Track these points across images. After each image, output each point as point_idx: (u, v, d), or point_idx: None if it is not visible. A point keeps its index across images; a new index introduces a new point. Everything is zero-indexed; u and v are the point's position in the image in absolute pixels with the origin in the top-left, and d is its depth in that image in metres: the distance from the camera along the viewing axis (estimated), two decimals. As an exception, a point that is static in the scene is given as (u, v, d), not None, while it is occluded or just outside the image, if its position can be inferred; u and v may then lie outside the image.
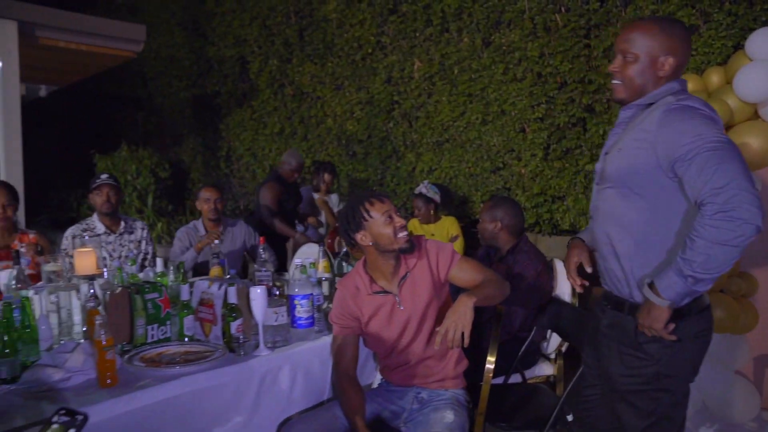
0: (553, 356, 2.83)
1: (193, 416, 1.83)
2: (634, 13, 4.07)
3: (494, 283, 1.98)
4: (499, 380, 2.57)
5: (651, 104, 1.67)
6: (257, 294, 1.96)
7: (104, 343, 1.71)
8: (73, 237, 3.47)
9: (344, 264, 2.44)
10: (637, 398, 1.71)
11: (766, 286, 3.06)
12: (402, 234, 1.95)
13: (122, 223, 3.61)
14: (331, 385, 2.14)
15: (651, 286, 1.57)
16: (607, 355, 1.77)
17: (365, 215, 1.95)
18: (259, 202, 4.42)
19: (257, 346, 2.02)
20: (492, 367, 1.93)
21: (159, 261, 2.86)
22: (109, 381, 1.72)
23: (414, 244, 1.99)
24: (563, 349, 2.81)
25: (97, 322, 1.74)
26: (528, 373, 2.75)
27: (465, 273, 2.03)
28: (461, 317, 1.80)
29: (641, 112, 1.69)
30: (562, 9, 4.46)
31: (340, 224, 2.03)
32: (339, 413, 1.96)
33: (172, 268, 2.86)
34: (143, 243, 3.67)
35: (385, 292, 2.01)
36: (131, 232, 3.64)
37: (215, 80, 7.77)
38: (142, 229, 3.70)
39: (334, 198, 5.06)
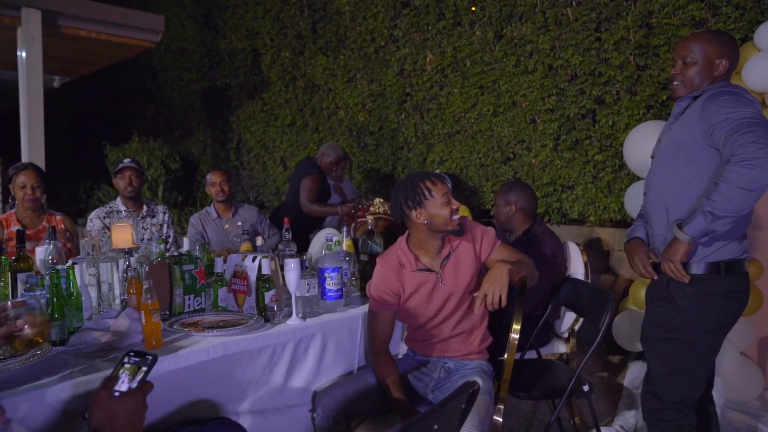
0: (566, 335, 2.93)
1: (231, 378, 1.93)
2: (644, 7, 4.16)
3: (528, 266, 2.10)
4: (516, 356, 2.68)
5: (699, 96, 1.96)
6: (291, 266, 2.06)
7: (150, 306, 1.82)
8: (98, 218, 3.59)
9: (369, 242, 2.54)
10: (662, 346, 1.95)
11: (772, 271, 3.16)
12: (456, 216, 2.02)
13: (144, 207, 3.72)
14: (364, 355, 2.24)
15: (679, 225, 1.84)
16: (645, 311, 2.05)
17: (426, 194, 2.00)
18: (298, 190, 4.42)
19: (290, 315, 2.12)
20: (517, 336, 2.03)
21: (186, 240, 2.97)
22: (154, 342, 1.82)
23: (464, 227, 2.07)
24: (576, 328, 2.91)
25: (144, 287, 1.84)
26: (543, 351, 2.85)
27: (505, 257, 2.11)
28: (497, 281, 1.91)
29: (692, 104, 1.97)
30: (574, 3, 4.56)
31: (394, 198, 2.10)
32: (371, 380, 2.06)
33: (198, 247, 2.97)
34: (165, 227, 3.78)
35: (429, 270, 2.09)
36: (153, 216, 3.75)
37: (226, 73, 7.87)
38: (164, 213, 3.81)
39: (347, 185, 5.11)
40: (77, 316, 2.04)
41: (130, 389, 1.12)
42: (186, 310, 2.17)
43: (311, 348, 2.12)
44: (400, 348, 2.40)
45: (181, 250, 3.18)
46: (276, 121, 7.06)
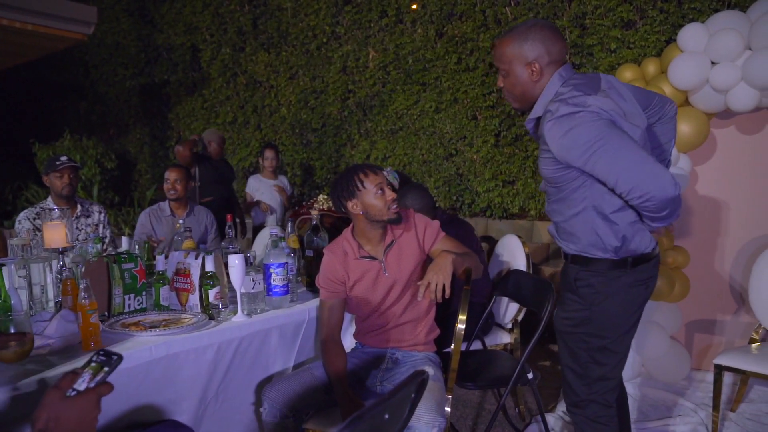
0: (509, 326, 3.02)
1: (175, 378, 1.89)
2: (578, 8, 4.32)
3: (472, 258, 2.14)
4: (462, 347, 2.73)
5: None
6: (236, 262, 2.03)
7: (88, 306, 1.75)
8: (28, 219, 3.42)
9: (314, 237, 2.53)
10: (570, 339, 1.88)
11: (697, 259, 3.35)
12: (393, 206, 2.06)
13: (79, 207, 3.57)
14: (311, 349, 2.24)
15: None
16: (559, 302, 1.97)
17: (359, 185, 2.05)
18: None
19: (235, 312, 2.09)
20: (463, 327, 2.08)
21: (125, 239, 2.87)
22: (92, 344, 1.76)
23: (402, 217, 2.11)
24: (519, 318, 3.00)
25: (81, 286, 1.77)
26: (487, 342, 2.92)
27: (447, 248, 2.15)
28: (441, 270, 1.94)
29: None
30: (512, 2, 4.68)
31: (332, 190, 2.12)
32: (318, 373, 2.06)
33: (137, 246, 2.87)
34: (101, 227, 3.63)
35: (372, 257, 2.13)
36: (88, 216, 3.61)
37: (164, 68, 7.64)
38: (100, 212, 3.66)
39: (284, 180, 5.05)
40: (5, 322, 1.95)
41: (86, 389, 1.07)
42: (126, 310, 2.10)
43: (257, 344, 2.10)
44: (348, 343, 2.41)
45: (119, 249, 3.08)
46: (217, 118, 6.92)
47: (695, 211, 3.42)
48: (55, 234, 2.27)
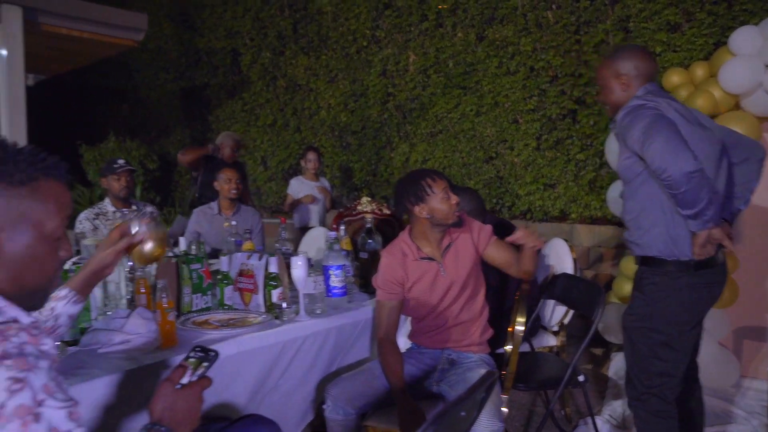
0: (556, 328, 3.04)
1: (242, 375, 1.97)
2: (622, 11, 4.31)
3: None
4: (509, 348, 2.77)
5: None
6: (299, 264, 2.10)
7: (165, 305, 1.84)
8: (88, 220, 3.56)
9: (368, 240, 2.60)
10: (634, 333, 2.08)
11: (746, 265, 3.32)
12: (456, 210, 2.15)
13: (134, 207, 3.71)
14: (368, 348, 2.31)
15: None
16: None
17: (427, 190, 2.12)
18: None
19: (297, 312, 2.17)
20: (522, 329, 2.13)
21: (182, 240, 2.98)
22: (170, 341, 1.85)
23: (463, 220, 2.20)
24: (565, 321, 3.02)
25: (159, 286, 1.86)
26: (534, 344, 2.95)
27: (500, 251, 2.25)
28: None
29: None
30: (554, 6, 4.69)
31: (398, 195, 2.19)
32: (377, 372, 2.12)
33: (194, 246, 2.98)
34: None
35: (431, 259, 2.19)
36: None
37: (205, 72, 7.82)
38: (152, 213, 3.79)
39: (325, 182, 5.14)
40: (85, 316, 2.05)
41: (190, 382, 1.16)
42: (194, 308, 2.20)
43: (318, 343, 2.17)
44: (404, 344, 2.47)
45: (176, 249, 3.20)
46: (257, 121, 7.05)
47: (745, 216, 3.39)
48: (126, 235, 2.37)
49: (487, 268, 2.40)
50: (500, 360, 2.49)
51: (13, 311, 0.89)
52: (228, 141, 4.96)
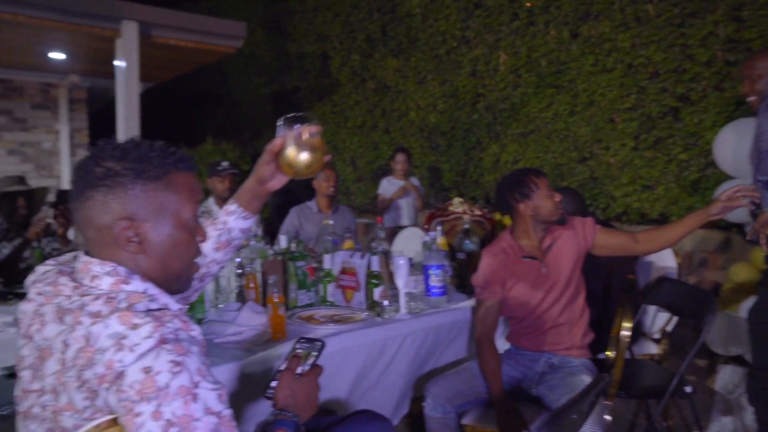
0: (657, 336, 2.91)
1: (344, 370, 2.04)
2: (734, 0, 4.06)
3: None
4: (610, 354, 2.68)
5: None
6: (401, 263, 2.15)
7: (276, 300, 1.94)
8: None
9: (466, 240, 2.61)
10: (761, 329, 2.18)
11: None
12: (560, 208, 2.16)
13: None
14: (466, 348, 2.32)
15: None
16: None
17: (533, 187, 2.14)
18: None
19: (397, 310, 2.21)
20: (629, 334, 2.07)
21: (282, 238, 3.11)
22: (279, 334, 1.95)
23: (564, 218, 2.20)
24: (668, 329, 2.89)
25: (270, 281, 1.97)
26: (634, 350, 2.84)
27: (611, 237, 2.23)
28: None
29: None
30: (655, -1, 4.49)
31: (501, 192, 2.21)
32: (477, 372, 2.13)
33: (294, 244, 3.10)
34: (254, 225, 3.95)
35: (532, 258, 2.19)
36: (244, 215, 3.93)
37: (295, 76, 8.09)
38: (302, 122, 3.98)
39: (415, 182, 5.18)
40: (200, 308, 2.20)
41: (305, 371, 1.22)
42: (299, 304, 2.30)
43: (419, 341, 2.21)
44: (500, 345, 2.46)
45: (275, 247, 3.34)
46: (346, 122, 7.21)
47: None
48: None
49: (589, 272, 2.35)
50: (601, 366, 2.42)
51: (164, 299, 0.98)
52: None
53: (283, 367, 1.23)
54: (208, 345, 1.90)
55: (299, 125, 1.33)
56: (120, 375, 0.84)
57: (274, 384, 1.21)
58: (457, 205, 3.94)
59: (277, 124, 1.35)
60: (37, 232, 3.03)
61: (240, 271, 2.38)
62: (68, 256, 1.10)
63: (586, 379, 2.03)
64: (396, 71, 6.54)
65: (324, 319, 2.12)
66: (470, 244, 2.59)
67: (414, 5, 6.23)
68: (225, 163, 3.84)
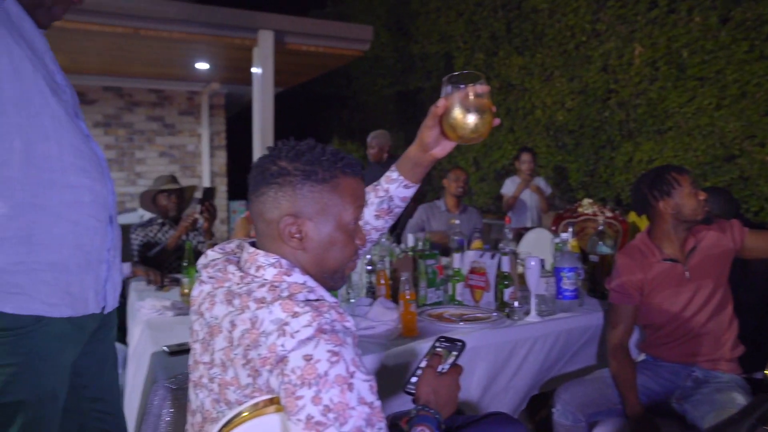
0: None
1: (474, 371, 2.02)
2: None
3: None
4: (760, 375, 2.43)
5: None
6: (532, 264, 2.10)
7: (408, 297, 1.97)
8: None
9: (600, 243, 2.49)
10: None
11: None
12: (705, 206, 2.00)
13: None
14: (595, 355, 2.22)
15: None
16: None
17: (674, 183, 2.00)
18: None
19: (527, 312, 2.16)
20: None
21: (410, 236, 3.15)
22: (411, 331, 1.98)
23: (712, 218, 2.04)
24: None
25: (402, 278, 2.00)
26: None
27: (759, 236, 2.03)
28: None
29: None
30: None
31: (638, 190, 2.09)
32: (610, 381, 2.03)
33: (420, 243, 3.13)
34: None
35: (674, 260, 2.05)
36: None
37: (418, 76, 8.16)
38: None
39: (541, 182, 5.03)
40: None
41: (443, 370, 1.23)
42: (428, 302, 2.32)
43: (548, 346, 2.14)
44: (634, 355, 2.33)
45: (402, 245, 3.40)
46: (469, 121, 7.15)
47: None
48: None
49: (742, 280, 2.15)
50: (757, 386, 2.20)
51: (320, 291, 1.03)
52: (374, 141, 5.09)
53: (423, 364, 1.24)
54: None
55: (465, 85, 1.20)
56: (282, 359, 0.90)
57: (414, 380, 1.23)
58: (586, 206, 3.77)
59: (442, 83, 1.23)
60: (187, 227, 3.31)
61: (370, 267, 2.46)
62: (232, 244, 1.20)
63: (738, 398, 1.85)
64: (521, 69, 6.38)
65: (454, 317, 2.12)
66: (604, 247, 2.46)
67: (540, 0, 6.04)
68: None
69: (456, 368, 1.25)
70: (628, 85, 5.25)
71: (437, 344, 1.31)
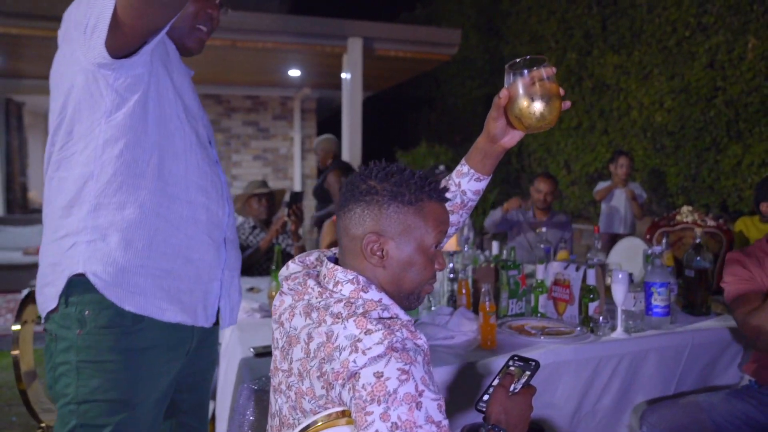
0: None
1: (554, 387, 1.97)
2: None
3: None
4: None
5: None
6: (619, 278, 2.01)
7: (488, 308, 1.95)
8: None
9: (697, 257, 2.34)
10: None
11: None
12: None
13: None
14: (682, 376, 2.09)
15: None
16: None
17: None
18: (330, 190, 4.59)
19: (614, 328, 2.07)
20: None
21: (495, 244, 3.12)
22: (489, 342, 1.96)
23: None
24: None
25: (483, 290, 1.98)
26: None
27: None
28: None
29: None
30: None
31: (761, 193, 1.97)
32: (705, 405, 1.91)
33: (505, 251, 3.09)
34: (465, 228, 4.02)
35: None
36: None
37: (508, 78, 8.01)
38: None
39: (637, 187, 4.80)
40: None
41: (516, 390, 1.22)
42: (509, 313, 2.28)
43: (635, 364, 2.04)
44: (734, 377, 2.17)
45: (486, 253, 3.37)
46: (561, 123, 6.94)
47: None
48: (450, 239, 2.60)
49: None
50: None
51: (395, 309, 1.06)
52: (320, 147, 4.93)
53: (496, 383, 1.23)
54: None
55: (527, 70, 1.15)
56: (354, 375, 0.93)
57: (486, 398, 1.22)
58: (686, 214, 3.56)
59: (505, 71, 1.19)
60: (277, 230, 3.45)
61: (452, 275, 2.45)
62: (312, 257, 1.25)
63: None
64: (617, 68, 6.10)
65: (535, 330, 2.08)
66: (702, 261, 2.31)
67: (641, -6, 5.76)
68: (442, 167, 3.99)
69: (529, 389, 1.22)
70: (738, 81, 4.88)
71: (511, 363, 1.29)
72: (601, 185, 4.87)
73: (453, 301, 2.39)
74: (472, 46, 8.77)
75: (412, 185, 1.09)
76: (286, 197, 4.28)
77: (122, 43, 1.16)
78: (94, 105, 1.22)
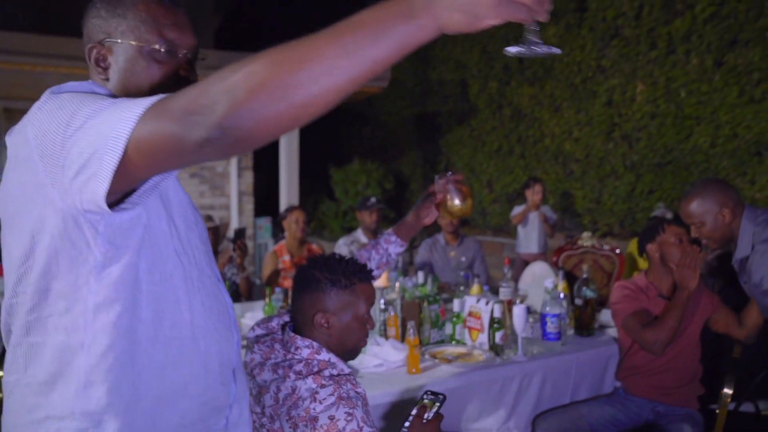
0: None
1: (468, 404, 2.40)
2: None
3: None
4: (729, 407, 2.74)
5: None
6: (520, 310, 2.48)
7: (413, 341, 2.37)
8: (345, 245, 4.37)
9: (584, 288, 2.85)
10: None
11: None
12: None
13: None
14: (571, 390, 2.58)
15: None
16: None
17: (660, 229, 2.40)
18: None
19: (515, 352, 2.54)
20: (730, 392, 2.21)
21: (420, 273, 3.55)
22: (414, 370, 2.37)
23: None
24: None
25: (409, 324, 2.40)
26: (762, 405, 2.86)
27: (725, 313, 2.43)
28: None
29: None
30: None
31: (641, 235, 2.48)
32: (584, 411, 2.40)
33: (429, 280, 3.52)
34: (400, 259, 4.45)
35: (668, 298, 2.41)
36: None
37: (436, 100, 8.56)
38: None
39: (547, 210, 5.36)
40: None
41: (428, 418, 1.63)
42: (431, 341, 2.71)
43: (533, 382, 2.51)
44: (611, 384, 2.68)
45: (413, 279, 3.78)
46: (484, 146, 7.53)
47: None
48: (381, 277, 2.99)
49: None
50: (712, 417, 2.53)
51: (341, 365, 1.45)
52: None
53: (414, 412, 1.64)
54: (354, 374, 2.39)
55: (450, 174, 1.86)
56: (314, 418, 1.32)
57: (407, 424, 1.63)
58: (586, 239, 4.14)
59: (436, 178, 1.86)
60: (224, 263, 3.76)
61: (384, 306, 2.86)
62: (273, 323, 1.61)
63: (687, 429, 2.21)
64: (531, 98, 6.73)
65: (451, 357, 2.51)
66: (588, 291, 2.83)
67: (550, 35, 6.39)
68: (373, 200, 4.38)
69: (438, 417, 1.64)
70: (630, 120, 5.58)
71: (424, 396, 1.70)
72: (517, 210, 5.41)
73: (384, 330, 2.79)
74: (402, 68, 9.25)
75: (346, 272, 1.49)
76: (230, 233, 4.58)
77: (125, 186, 0.87)
78: (78, 257, 0.92)
